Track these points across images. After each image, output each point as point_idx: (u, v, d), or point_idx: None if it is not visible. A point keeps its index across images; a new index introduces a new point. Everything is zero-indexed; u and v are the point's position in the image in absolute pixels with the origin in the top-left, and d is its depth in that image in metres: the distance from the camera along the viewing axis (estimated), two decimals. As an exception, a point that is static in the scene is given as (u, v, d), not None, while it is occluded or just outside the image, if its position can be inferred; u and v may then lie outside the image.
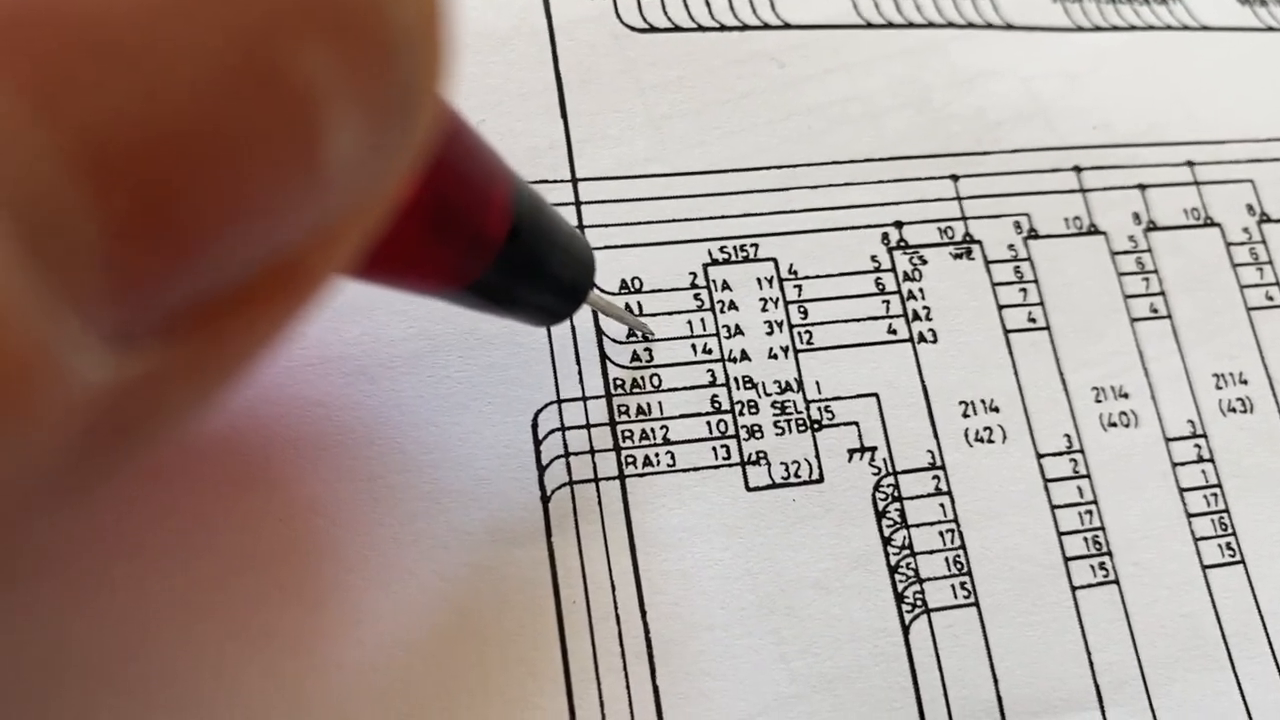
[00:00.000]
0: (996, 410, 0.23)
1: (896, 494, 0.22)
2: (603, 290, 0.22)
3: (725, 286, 0.23)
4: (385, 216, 0.11)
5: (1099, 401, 0.24)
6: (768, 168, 0.24)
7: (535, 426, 0.21)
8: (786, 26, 0.26)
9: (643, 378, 0.22)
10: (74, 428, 0.09)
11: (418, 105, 0.10)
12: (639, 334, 0.22)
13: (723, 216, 0.23)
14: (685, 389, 0.22)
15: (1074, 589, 0.22)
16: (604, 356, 0.22)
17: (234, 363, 0.10)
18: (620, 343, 0.22)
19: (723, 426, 0.22)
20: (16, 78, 0.07)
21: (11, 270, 0.07)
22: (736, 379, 0.22)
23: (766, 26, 0.26)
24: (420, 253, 0.15)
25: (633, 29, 0.25)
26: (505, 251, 0.16)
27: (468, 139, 0.15)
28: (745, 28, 0.25)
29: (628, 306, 0.22)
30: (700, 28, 0.25)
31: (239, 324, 0.10)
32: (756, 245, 0.23)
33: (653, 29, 0.25)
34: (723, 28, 0.25)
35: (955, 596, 0.21)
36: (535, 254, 0.17)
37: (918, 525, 0.22)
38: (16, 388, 0.08)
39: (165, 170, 0.08)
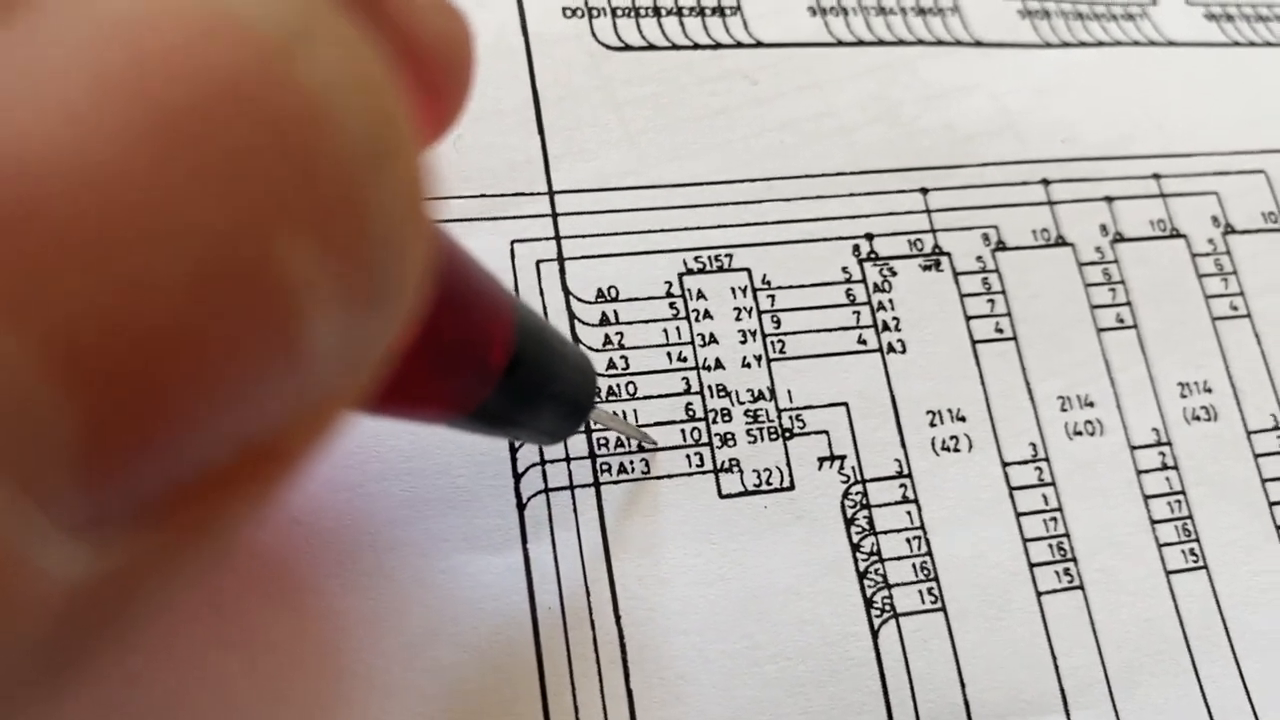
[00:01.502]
0: (963, 419, 0.23)
1: (865, 501, 0.22)
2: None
3: (700, 295, 0.23)
4: (365, 393, 0.11)
5: (1065, 410, 0.24)
6: (742, 180, 0.24)
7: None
8: (759, 45, 0.26)
9: (618, 385, 0.22)
10: (43, 625, 0.08)
11: (400, 290, 0.10)
12: (639, 443, 0.22)
13: (698, 227, 0.24)
14: (660, 397, 0.22)
15: (1039, 594, 0.22)
16: (579, 366, 0.22)
17: (215, 540, 0.10)
18: (596, 350, 0.22)
19: (696, 434, 0.22)
20: None
21: None
22: (710, 387, 0.23)
23: (739, 45, 0.26)
24: (422, 389, 0.15)
25: (608, 47, 0.25)
26: (506, 380, 0.16)
27: (470, 273, 0.15)
28: (719, 46, 0.26)
29: (604, 318, 0.23)
30: (674, 46, 0.26)
31: (215, 506, 0.10)
32: (731, 255, 0.24)
33: (628, 47, 0.25)
34: (696, 46, 0.26)
35: (923, 601, 0.22)
36: (536, 381, 0.17)
37: (886, 532, 0.22)
38: None
39: (141, 367, 0.08)
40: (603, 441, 0.22)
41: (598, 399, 0.22)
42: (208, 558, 0.10)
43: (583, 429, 0.22)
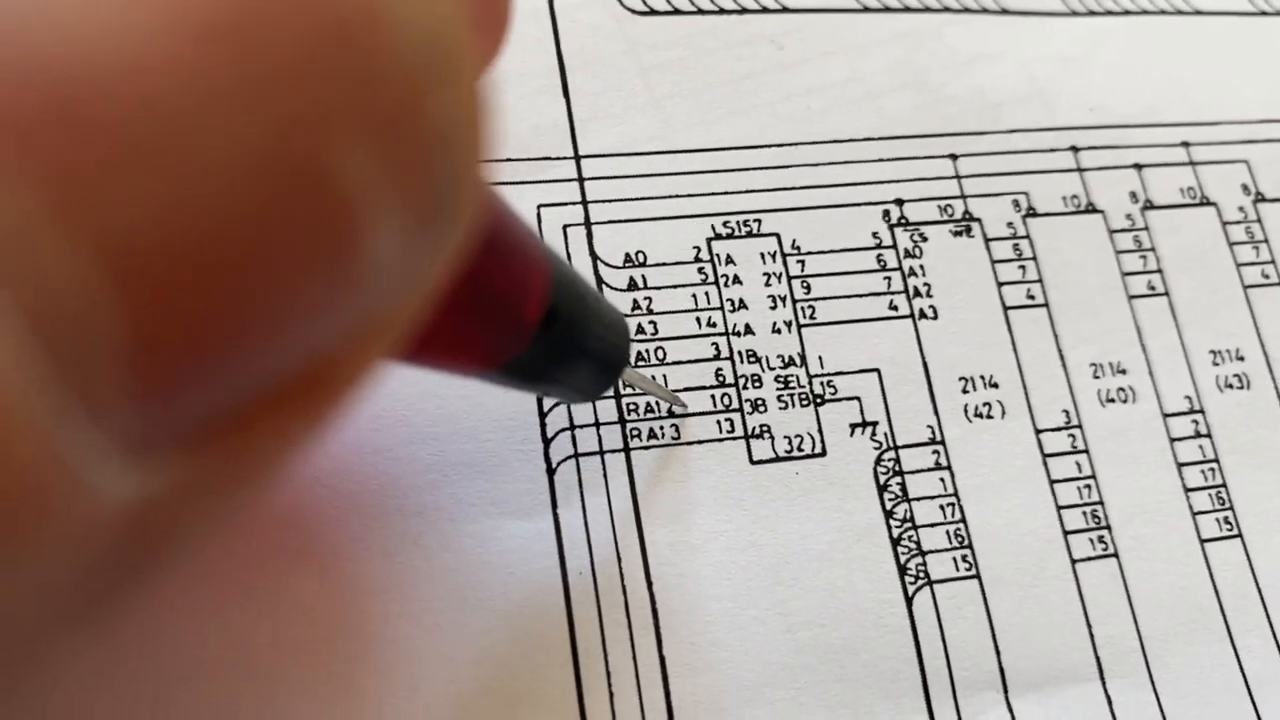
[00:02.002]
0: (996, 386, 0.23)
1: (898, 468, 0.22)
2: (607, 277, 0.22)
3: (729, 261, 0.23)
4: (422, 313, 0.11)
5: (1097, 378, 0.24)
6: (769, 145, 0.24)
7: (540, 400, 0.21)
8: (785, 10, 0.26)
9: (647, 350, 0.22)
10: (94, 547, 0.08)
11: (458, 203, 0.10)
12: (670, 407, 0.22)
13: (725, 192, 0.23)
14: (689, 362, 0.22)
15: (1074, 562, 0.22)
16: (609, 329, 0.22)
17: (264, 469, 0.10)
18: (625, 315, 0.22)
19: (726, 400, 0.22)
20: (35, 175, 0.07)
21: (27, 378, 0.07)
22: (740, 353, 0.22)
23: (765, 10, 0.26)
24: (457, 339, 0.15)
25: (634, 12, 0.25)
26: (541, 335, 0.16)
27: (508, 222, 0.15)
28: (744, 11, 0.26)
29: (632, 283, 0.22)
30: (700, 11, 0.25)
31: (269, 430, 0.09)
32: (760, 220, 0.23)
33: (653, 12, 0.25)
34: (722, 11, 0.26)
35: (957, 569, 0.22)
36: (570, 337, 0.17)
37: (919, 499, 0.22)
38: (31, 504, 0.07)
39: (195, 275, 0.07)
40: (632, 407, 0.21)
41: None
42: (258, 486, 0.10)
43: (612, 392, 0.21)
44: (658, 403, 0.21)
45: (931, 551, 0.22)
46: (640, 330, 0.22)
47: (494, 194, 0.14)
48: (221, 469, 0.09)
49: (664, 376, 0.22)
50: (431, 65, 0.09)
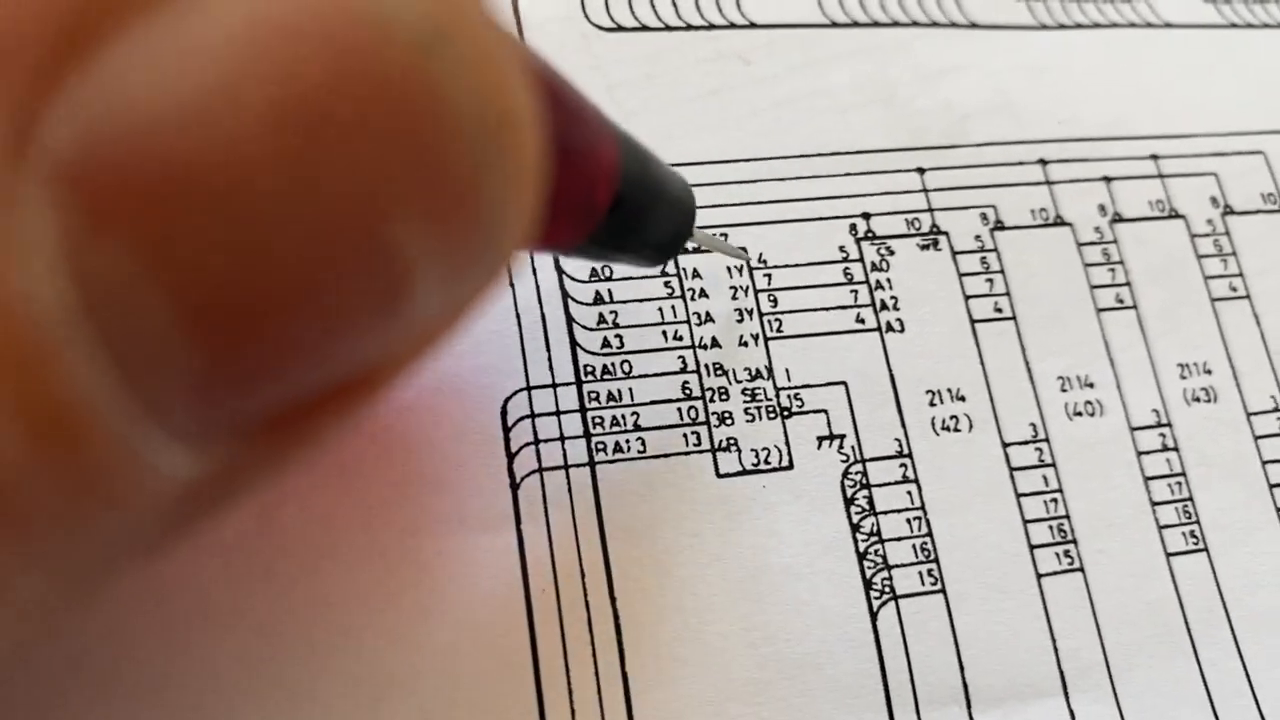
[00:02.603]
0: (963, 399, 0.23)
1: (865, 481, 0.22)
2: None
3: (696, 275, 0.23)
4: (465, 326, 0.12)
5: (1064, 390, 0.24)
6: (736, 160, 0.24)
7: (504, 413, 0.21)
8: (752, 26, 0.26)
9: (613, 364, 0.22)
10: (154, 512, 0.10)
11: (500, 253, 0.11)
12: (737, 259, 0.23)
13: (692, 207, 0.23)
14: (656, 375, 0.22)
15: (1039, 576, 0.22)
16: (574, 343, 0.22)
17: (305, 451, 0.11)
18: (590, 329, 0.22)
19: (693, 413, 0.22)
20: (136, 239, 0.08)
21: (108, 396, 0.09)
22: (707, 366, 0.22)
23: (732, 26, 0.26)
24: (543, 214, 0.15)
25: (600, 28, 0.25)
26: (610, 217, 0.16)
27: (574, 106, 0.15)
28: (711, 27, 0.26)
29: (598, 297, 0.22)
30: (667, 27, 0.25)
31: (311, 424, 0.11)
32: (726, 235, 0.23)
33: (620, 28, 0.25)
34: (689, 27, 0.26)
35: (923, 583, 0.22)
36: (639, 217, 0.17)
37: (886, 512, 0.22)
38: (107, 476, 0.09)
39: (260, 320, 0.09)
40: (598, 420, 0.21)
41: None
42: (291, 465, 0.11)
43: (576, 405, 0.21)
44: (623, 415, 0.21)
45: (898, 565, 0.22)
46: (606, 344, 0.22)
47: (561, 78, 0.14)
48: (268, 454, 0.11)
49: (630, 390, 0.22)
50: (489, 140, 0.10)
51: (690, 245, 0.22)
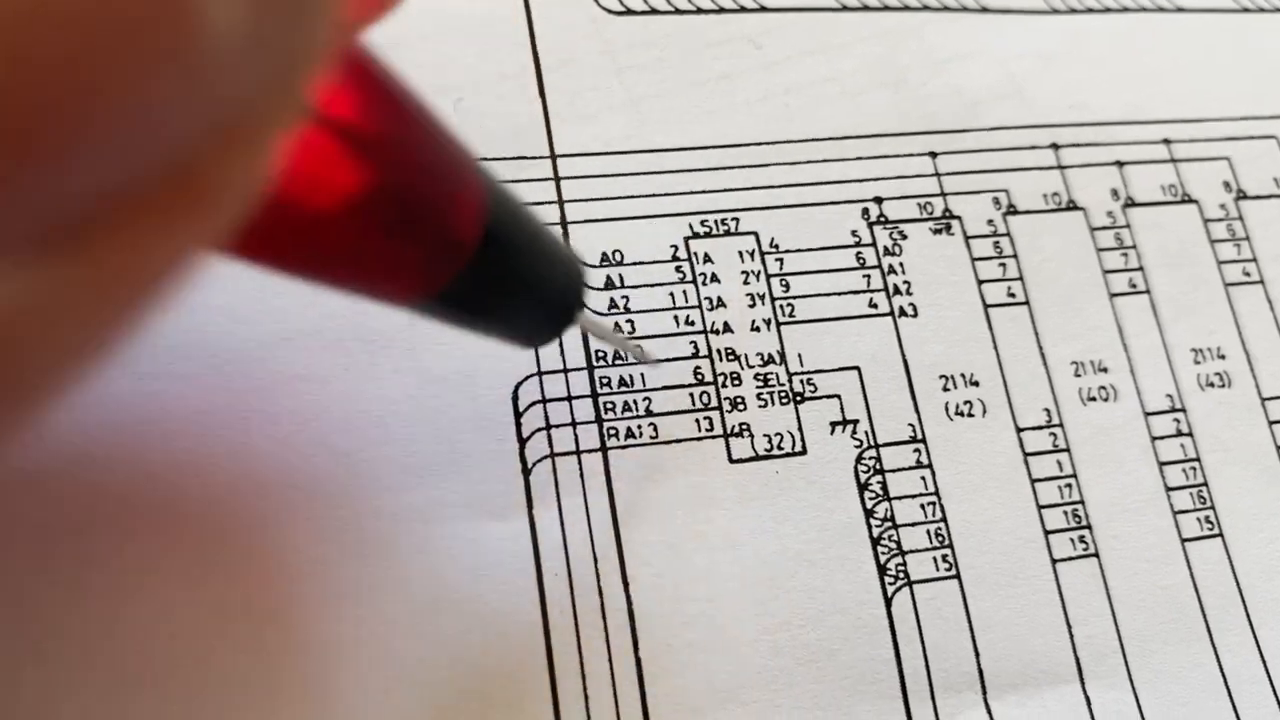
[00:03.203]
0: (976, 384, 0.23)
1: (878, 467, 0.22)
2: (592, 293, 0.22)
3: (707, 259, 0.23)
4: (296, 126, 0.10)
5: (1078, 376, 0.24)
6: (747, 144, 0.24)
7: (516, 399, 0.21)
8: (763, 9, 0.26)
9: (616, 326, 0.22)
10: None
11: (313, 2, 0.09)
12: (633, 357, 0.21)
13: (703, 191, 0.23)
14: (668, 360, 0.22)
15: (1054, 562, 0.22)
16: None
17: (138, 281, 0.09)
18: (601, 314, 0.22)
19: (705, 399, 0.22)
20: None
21: None
22: (719, 351, 0.22)
23: (743, 9, 0.26)
24: (382, 251, 0.14)
25: (610, 12, 0.25)
26: (479, 258, 0.15)
27: (435, 132, 0.14)
28: (722, 11, 0.25)
29: (609, 282, 0.22)
30: (677, 11, 0.25)
31: (139, 238, 0.09)
32: (738, 219, 0.23)
33: (630, 12, 0.25)
34: (700, 10, 0.25)
35: (937, 569, 0.21)
36: (514, 264, 0.16)
37: (899, 498, 0.22)
38: None
39: (5, 61, 0.07)
40: (609, 405, 0.21)
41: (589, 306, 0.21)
42: (135, 301, 0.09)
43: (588, 390, 0.21)
44: (635, 401, 0.21)
45: (911, 551, 0.21)
46: (618, 328, 0.22)
47: (421, 102, 0.14)
48: (81, 279, 0.09)
49: (641, 376, 0.22)
50: None
51: (591, 335, 0.21)
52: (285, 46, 0.09)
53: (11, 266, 0.08)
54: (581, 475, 0.21)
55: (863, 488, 0.22)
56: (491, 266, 0.15)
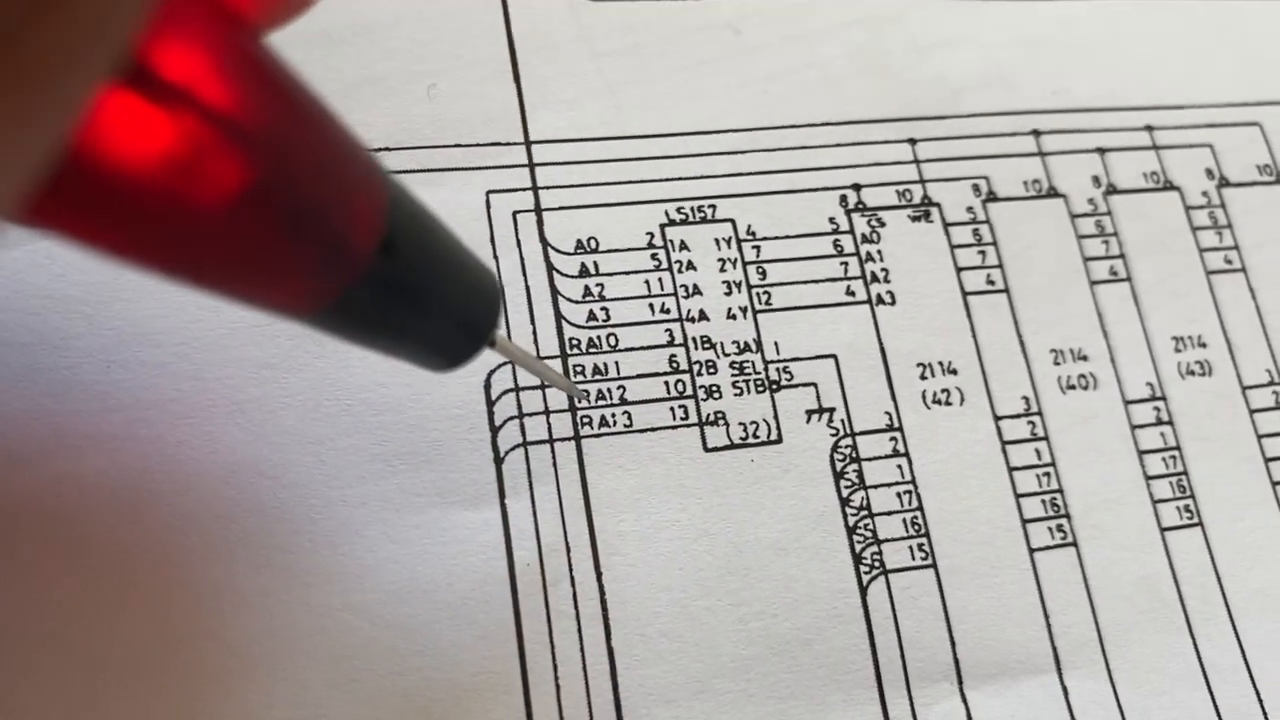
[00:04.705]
0: (954, 372, 0.23)
1: (854, 455, 0.22)
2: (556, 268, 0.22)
3: (683, 247, 0.22)
4: (110, 49, 0.09)
5: (1058, 364, 0.23)
6: (724, 131, 0.24)
7: (488, 388, 0.21)
8: (744, -6, 0.25)
9: (599, 337, 0.21)
10: None
11: None
12: (558, 388, 0.21)
13: (680, 178, 0.23)
14: (643, 349, 0.22)
15: (1032, 551, 0.22)
16: (559, 316, 0.21)
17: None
18: (576, 302, 0.22)
19: (680, 387, 0.21)
20: None
21: None
22: (695, 339, 0.22)
23: (724, -6, 0.25)
24: (265, 255, 0.13)
25: (588, -3, 0.25)
26: (377, 267, 0.14)
27: (330, 132, 0.13)
28: (702, -4, 0.25)
29: (583, 269, 0.22)
30: (657, -4, 0.25)
31: None
32: (714, 206, 0.23)
33: (609, -3, 0.25)
34: (679, -4, 0.25)
35: (913, 558, 0.21)
36: (416, 276, 0.15)
37: (875, 486, 0.22)
38: None
39: None
40: (583, 394, 0.21)
41: (503, 328, 0.20)
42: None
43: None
44: (610, 389, 0.21)
45: (888, 540, 0.21)
46: (592, 316, 0.22)
47: (319, 102, 0.13)
48: None
49: (616, 364, 0.21)
50: None
51: (503, 358, 0.20)
52: None
53: None
54: (554, 464, 0.21)
55: (839, 476, 0.21)
56: (390, 278, 0.14)
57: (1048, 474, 0.22)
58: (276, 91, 0.13)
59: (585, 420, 0.21)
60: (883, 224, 0.24)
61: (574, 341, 0.21)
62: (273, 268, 0.13)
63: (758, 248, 0.23)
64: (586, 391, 0.21)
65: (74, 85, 0.09)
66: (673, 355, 0.22)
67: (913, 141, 0.25)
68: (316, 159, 0.13)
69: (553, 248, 0.22)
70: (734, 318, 0.22)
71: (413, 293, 0.15)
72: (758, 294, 0.22)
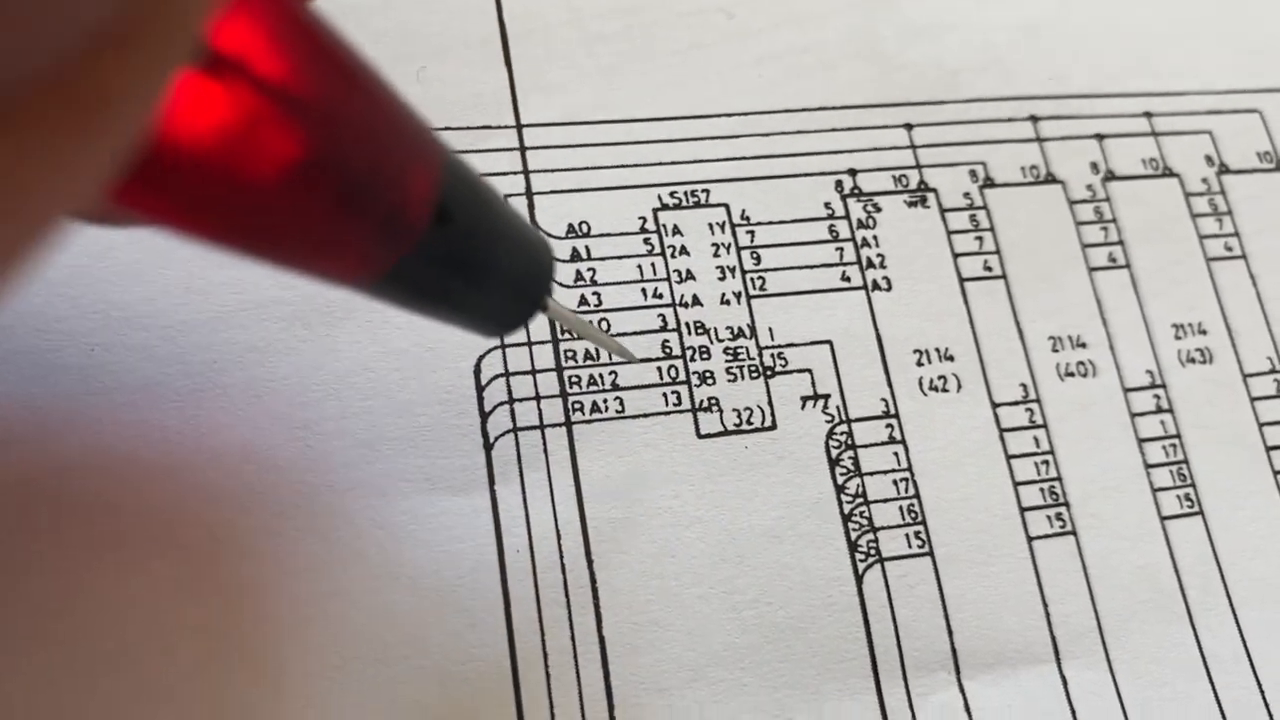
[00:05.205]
0: (951, 359, 0.23)
1: (850, 442, 0.21)
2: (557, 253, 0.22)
3: (676, 231, 0.22)
4: (184, 53, 0.09)
5: (1056, 351, 0.23)
6: (718, 115, 0.23)
7: (478, 372, 0.20)
8: (739, -22, 0.25)
9: (591, 322, 0.21)
10: None
11: None
12: (612, 355, 0.21)
13: (672, 162, 0.23)
14: (635, 334, 0.21)
15: (1030, 540, 0.22)
16: (548, 299, 0.21)
17: (22, 199, 0.09)
18: (567, 286, 0.21)
19: (673, 372, 0.21)
20: None
21: None
22: (688, 324, 0.22)
23: (718, -22, 0.25)
24: (321, 226, 0.13)
25: (581, -19, 0.24)
26: (432, 237, 0.14)
27: (385, 101, 0.13)
28: (697, -20, 0.25)
29: (575, 254, 0.22)
30: (651, -20, 0.25)
31: (19, 146, 0.08)
32: (708, 191, 0.23)
33: (601, -19, 0.24)
34: (673, -20, 0.25)
35: (909, 546, 0.21)
36: (470, 245, 0.15)
37: (871, 474, 0.21)
38: None
39: None
40: (575, 380, 0.21)
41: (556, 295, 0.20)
42: (23, 225, 0.09)
43: (553, 364, 0.21)
44: (601, 374, 0.21)
45: (883, 528, 0.21)
46: (584, 301, 0.21)
47: (373, 73, 0.13)
48: None
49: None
50: None
51: (562, 333, 0.20)
52: None
53: None
54: (545, 450, 0.20)
55: (834, 463, 0.21)
56: (445, 247, 0.14)
57: (1046, 462, 0.22)
58: (330, 60, 0.13)
59: (577, 406, 0.21)
60: (879, 209, 0.23)
61: (565, 328, 0.21)
62: (327, 239, 0.13)
63: (752, 232, 0.23)
64: (640, 359, 0.21)
65: (160, 74, 0.09)
66: (665, 340, 0.21)
67: (909, 126, 0.24)
68: (372, 129, 0.13)
69: (544, 231, 0.22)
70: (728, 303, 0.22)
71: (467, 262, 0.15)
72: (752, 279, 0.22)
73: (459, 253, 0.15)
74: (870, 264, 0.23)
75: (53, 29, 0.08)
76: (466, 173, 0.15)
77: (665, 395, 0.21)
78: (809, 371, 0.22)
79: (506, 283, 0.16)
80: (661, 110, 0.23)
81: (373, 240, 0.14)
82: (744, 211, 0.23)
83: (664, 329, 0.21)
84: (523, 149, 0.22)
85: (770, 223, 0.23)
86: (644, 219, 0.22)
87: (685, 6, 0.25)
